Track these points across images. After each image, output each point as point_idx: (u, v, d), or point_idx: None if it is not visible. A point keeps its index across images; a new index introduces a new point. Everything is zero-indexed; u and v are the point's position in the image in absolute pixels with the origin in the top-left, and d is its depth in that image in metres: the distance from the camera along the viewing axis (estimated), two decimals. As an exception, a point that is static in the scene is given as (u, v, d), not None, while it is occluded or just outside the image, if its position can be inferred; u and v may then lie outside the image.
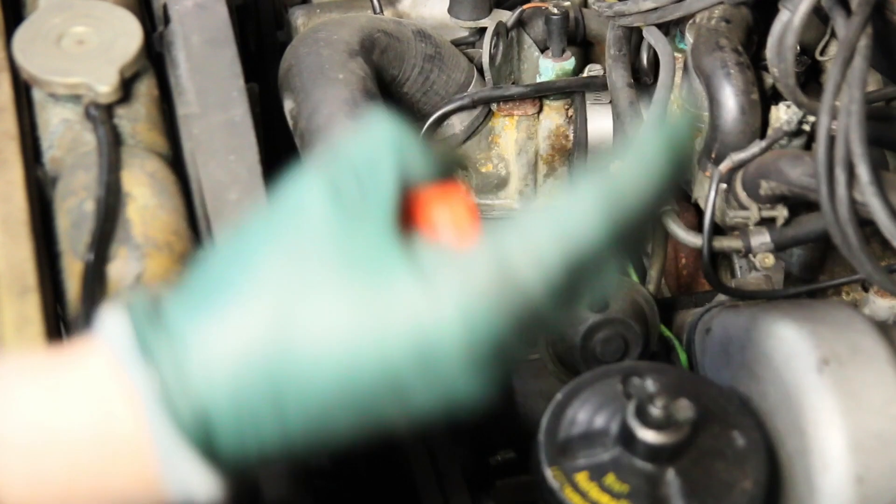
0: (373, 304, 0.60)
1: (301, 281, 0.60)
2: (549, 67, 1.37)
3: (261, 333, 0.60)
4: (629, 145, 0.65)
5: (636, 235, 0.65)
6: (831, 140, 0.99)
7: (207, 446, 0.61)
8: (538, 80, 1.39)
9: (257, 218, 0.64)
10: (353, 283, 0.60)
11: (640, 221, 0.64)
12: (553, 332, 0.63)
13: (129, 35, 1.01)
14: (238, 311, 0.61)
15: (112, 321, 0.62)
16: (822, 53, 1.23)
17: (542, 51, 1.40)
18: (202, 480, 0.61)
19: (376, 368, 0.60)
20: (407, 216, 0.63)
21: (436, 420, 0.63)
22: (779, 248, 1.10)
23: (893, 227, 0.97)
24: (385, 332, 0.60)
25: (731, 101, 1.14)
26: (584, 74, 1.39)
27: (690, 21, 1.24)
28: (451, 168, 0.68)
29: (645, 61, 1.35)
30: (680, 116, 0.69)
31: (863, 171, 0.97)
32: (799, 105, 1.09)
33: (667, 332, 1.24)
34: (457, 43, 1.41)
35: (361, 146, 0.63)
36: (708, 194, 1.12)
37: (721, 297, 1.22)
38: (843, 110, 0.98)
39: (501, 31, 1.38)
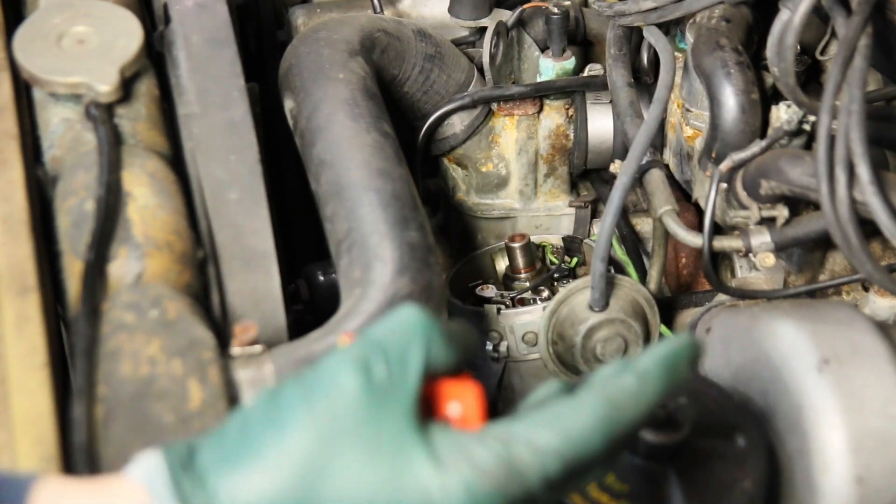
0: (390, 480, 0.67)
1: (327, 449, 0.67)
2: (550, 67, 1.37)
3: (287, 493, 0.66)
4: (632, 364, 0.72)
5: (621, 447, 0.73)
6: (832, 139, 0.99)
7: None
8: (538, 80, 1.39)
9: (292, 384, 0.70)
10: (374, 458, 0.67)
11: (628, 436, 0.72)
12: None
13: (129, 35, 1.01)
14: (268, 469, 0.66)
15: (149, 463, 0.67)
16: (822, 53, 1.23)
17: (543, 50, 1.40)
18: None
19: None
20: (426, 400, 0.71)
21: None
22: (779, 248, 1.10)
23: (894, 226, 0.97)
24: None
25: (731, 100, 1.14)
26: (584, 74, 1.39)
27: (690, 21, 1.24)
28: (469, 350, 0.74)
29: (645, 61, 1.35)
30: (682, 343, 0.74)
31: (863, 171, 0.97)
32: (799, 104, 1.09)
33: (667, 332, 1.24)
34: (457, 43, 1.41)
35: (393, 332, 0.70)
36: (708, 194, 1.12)
37: (721, 297, 1.22)
38: (843, 110, 0.98)
39: (501, 30, 1.38)
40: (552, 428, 0.69)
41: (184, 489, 0.66)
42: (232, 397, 0.83)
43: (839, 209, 0.98)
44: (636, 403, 0.71)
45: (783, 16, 1.08)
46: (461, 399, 0.72)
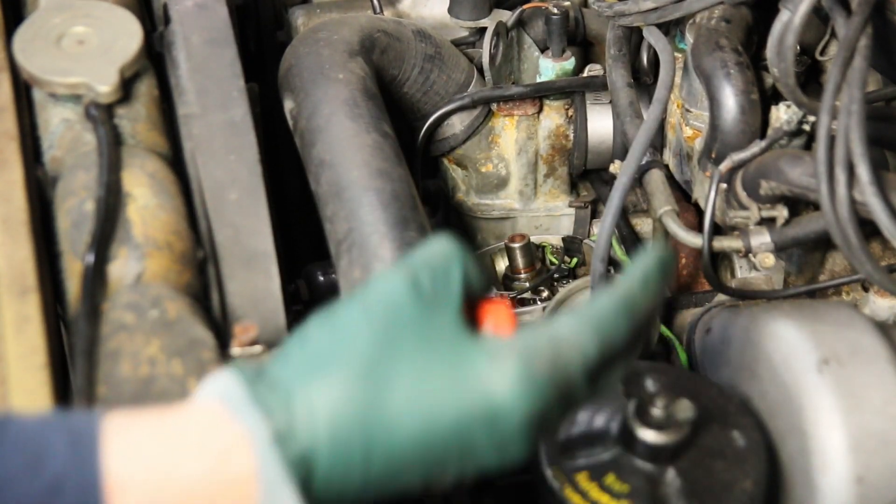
0: (450, 375, 0.71)
1: (389, 350, 0.70)
2: (549, 67, 1.37)
3: (356, 393, 0.69)
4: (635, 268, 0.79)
5: (638, 339, 0.79)
6: (831, 140, 0.99)
7: (306, 491, 0.68)
8: (538, 80, 1.39)
9: (346, 301, 0.74)
10: (432, 356, 0.71)
11: (642, 327, 0.79)
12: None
13: (129, 35, 1.01)
14: (336, 372, 0.69)
15: (220, 379, 0.70)
16: (822, 53, 1.23)
17: (542, 51, 1.40)
18: None
19: (451, 430, 0.70)
20: (466, 317, 0.75)
21: (482, 477, 0.73)
22: (779, 248, 1.10)
23: (893, 226, 0.97)
24: (460, 399, 0.70)
25: (731, 100, 1.14)
26: (584, 74, 1.39)
27: (690, 21, 1.24)
28: (490, 281, 0.81)
29: (645, 61, 1.35)
30: (652, 258, 0.80)
31: (863, 171, 0.97)
32: (799, 105, 1.09)
33: (667, 332, 1.24)
34: (457, 43, 1.41)
35: (433, 253, 0.76)
36: (708, 194, 1.12)
37: (721, 297, 1.22)
38: (843, 110, 0.98)
39: (501, 31, 1.38)
40: (585, 319, 0.75)
41: (260, 395, 0.68)
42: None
43: (839, 209, 0.98)
44: (645, 296, 0.78)
45: (783, 16, 1.08)
46: (495, 316, 0.78)
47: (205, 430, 0.68)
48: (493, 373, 0.71)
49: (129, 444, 0.66)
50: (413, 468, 0.70)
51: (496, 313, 0.78)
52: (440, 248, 0.77)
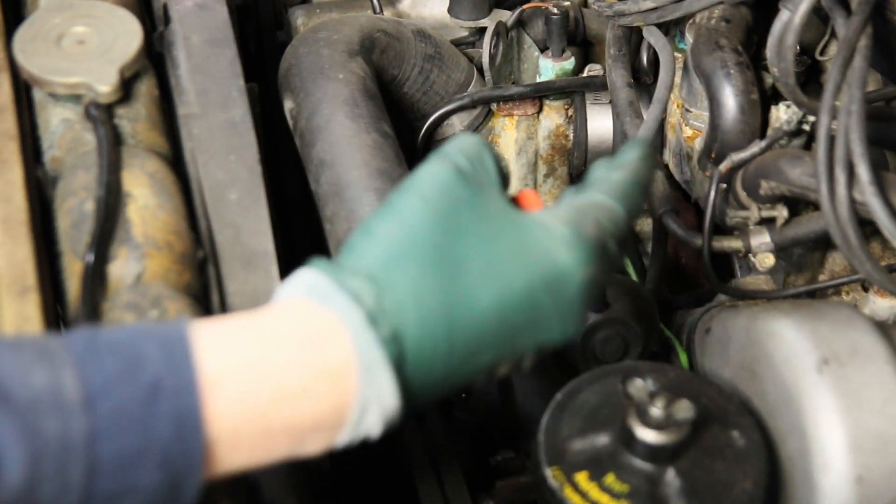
0: (515, 245, 0.74)
1: (454, 231, 0.73)
2: (549, 67, 1.38)
3: (435, 272, 0.72)
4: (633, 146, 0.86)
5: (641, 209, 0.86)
6: (831, 140, 0.99)
7: (398, 373, 0.70)
8: (538, 80, 1.39)
9: (402, 191, 0.76)
10: (495, 230, 0.75)
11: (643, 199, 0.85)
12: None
13: (129, 35, 1.01)
14: (413, 256, 0.72)
15: (302, 276, 0.72)
16: (822, 53, 1.23)
17: (542, 51, 1.40)
18: (394, 400, 0.70)
19: (523, 297, 0.73)
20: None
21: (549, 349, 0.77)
22: (779, 248, 1.10)
23: (893, 226, 0.97)
24: (527, 266, 0.74)
25: (730, 100, 1.14)
26: (584, 74, 1.39)
27: (690, 21, 1.24)
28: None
29: (645, 61, 1.35)
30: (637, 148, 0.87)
31: (863, 171, 0.97)
32: (799, 105, 1.09)
33: (667, 332, 1.24)
34: (457, 43, 1.41)
35: (463, 142, 0.79)
36: (708, 194, 1.12)
37: (721, 297, 1.22)
38: (843, 110, 0.98)
39: (501, 31, 1.38)
40: (612, 190, 0.81)
41: (346, 283, 0.70)
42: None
43: (839, 209, 0.98)
44: (647, 171, 0.85)
45: (783, 16, 1.08)
46: (528, 199, 0.83)
47: (295, 321, 0.69)
48: (552, 239, 0.75)
49: (220, 342, 0.68)
50: (491, 341, 0.73)
51: (528, 198, 0.83)
52: (469, 140, 0.80)
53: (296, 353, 0.68)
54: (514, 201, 0.83)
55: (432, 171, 0.76)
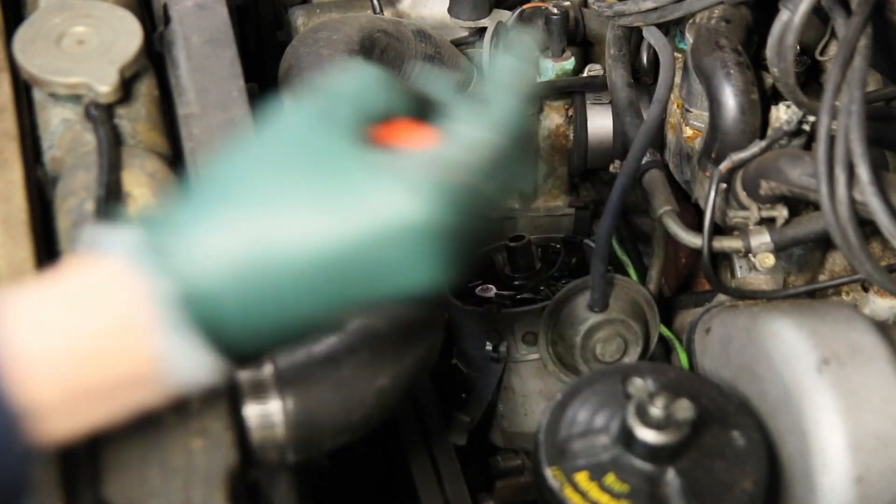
0: (341, 195, 0.71)
1: (281, 182, 0.71)
2: (549, 67, 1.37)
3: (248, 226, 0.70)
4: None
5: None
6: (831, 140, 0.99)
7: (212, 330, 0.69)
8: (538, 80, 1.39)
9: (251, 137, 0.75)
10: (324, 181, 0.71)
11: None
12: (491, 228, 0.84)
13: (129, 35, 1.01)
14: (231, 209, 0.70)
15: (110, 232, 0.70)
16: (822, 53, 1.23)
17: (543, 51, 1.40)
18: (203, 359, 0.69)
19: (345, 248, 0.70)
20: (373, 139, 0.76)
21: (401, 299, 0.73)
22: (779, 248, 1.10)
23: (893, 226, 0.97)
24: (353, 214, 0.70)
25: (731, 101, 1.14)
26: (584, 74, 1.39)
27: (690, 21, 1.24)
28: (423, 107, 0.80)
29: (645, 61, 1.35)
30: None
31: (863, 171, 0.97)
32: (799, 105, 1.09)
33: (667, 332, 1.24)
34: (457, 43, 1.41)
35: (345, 81, 0.76)
36: (708, 194, 1.12)
37: (721, 297, 1.22)
38: (843, 110, 0.98)
39: (501, 31, 1.38)
40: (478, 124, 0.76)
41: (151, 242, 0.69)
42: (232, 397, 0.83)
43: (839, 209, 0.98)
44: (521, 93, 0.79)
45: (783, 16, 1.08)
46: (391, 134, 0.77)
47: (97, 282, 0.69)
48: (392, 185, 0.71)
49: (26, 314, 0.67)
50: (307, 290, 0.70)
51: (397, 131, 0.78)
52: (351, 76, 0.77)
53: (91, 314, 0.68)
54: (387, 134, 0.78)
55: (288, 117, 0.74)
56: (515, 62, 0.81)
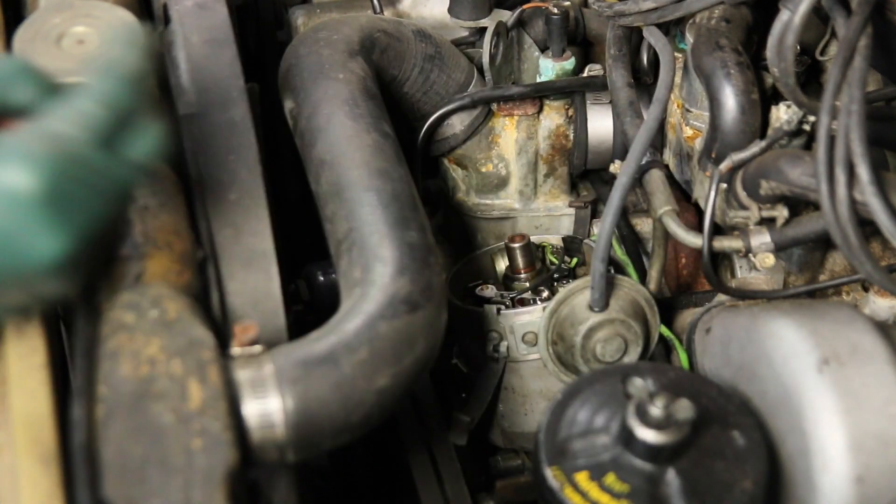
0: None
1: None
2: (549, 67, 1.37)
3: None
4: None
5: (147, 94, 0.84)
6: (831, 140, 0.99)
7: None
8: (538, 80, 1.39)
9: None
10: None
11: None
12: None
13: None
14: None
15: None
16: (822, 53, 1.23)
17: (542, 51, 1.40)
18: None
19: None
20: None
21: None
22: (779, 248, 1.10)
23: (893, 226, 0.97)
24: None
25: (731, 100, 1.14)
26: (584, 74, 1.39)
27: (690, 21, 1.24)
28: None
29: (645, 61, 1.35)
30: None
31: (863, 171, 0.97)
32: (799, 105, 1.09)
33: (667, 332, 1.24)
34: (457, 43, 1.41)
35: None
36: (708, 194, 1.12)
37: (721, 297, 1.22)
38: (843, 110, 0.98)
39: (501, 31, 1.38)
40: (81, 94, 0.78)
41: None
42: (232, 397, 0.83)
43: (839, 209, 0.98)
44: (132, 56, 0.82)
45: (783, 16, 1.08)
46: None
47: None
48: None
49: None
50: None
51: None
52: None
53: None
54: None
55: None
56: (120, 49, 0.83)
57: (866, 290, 1.21)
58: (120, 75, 0.80)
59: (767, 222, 1.10)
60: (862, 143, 0.97)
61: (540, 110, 1.39)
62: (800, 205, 1.12)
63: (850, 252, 1.00)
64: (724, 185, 1.12)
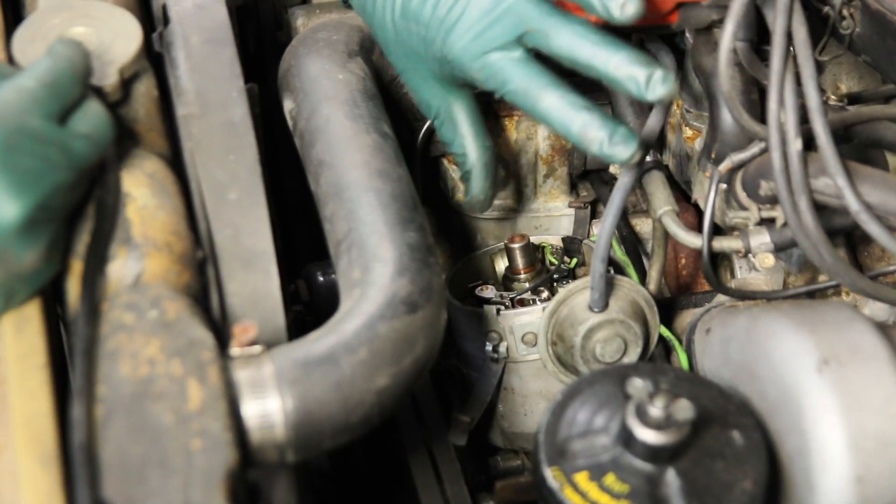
0: None
1: None
2: (549, 67, 1.37)
3: None
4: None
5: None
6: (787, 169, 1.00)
7: None
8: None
9: None
10: None
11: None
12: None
13: (128, 35, 1.01)
14: None
15: None
16: (821, 53, 1.23)
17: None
18: None
19: None
20: None
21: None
22: (778, 249, 1.10)
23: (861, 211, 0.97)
24: None
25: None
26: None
27: (690, 21, 1.24)
28: None
29: (645, 61, 1.35)
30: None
31: (829, 156, 0.97)
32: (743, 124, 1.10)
33: (667, 333, 1.24)
34: (457, 43, 1.41)
35: None
36: (708, 194, 1.12)
37: (721, 297, 1.22)
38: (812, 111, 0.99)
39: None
40: (21, 74, 0.87)
41: None
42: (231, 398, 0.83)
43: (808, 232, 0.99)
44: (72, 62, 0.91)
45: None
46: None
47: None
48: None
49: None
50: None
51: None
52: None
53: None
54: None
55: None
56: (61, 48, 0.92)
57: (866, 290, 1.21)
58: (58, 58, 0.89)
59: (767, 223, 1.10)
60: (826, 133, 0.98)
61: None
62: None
63: (828, 269, 1.00)
64: (724, 186, 1.12)
